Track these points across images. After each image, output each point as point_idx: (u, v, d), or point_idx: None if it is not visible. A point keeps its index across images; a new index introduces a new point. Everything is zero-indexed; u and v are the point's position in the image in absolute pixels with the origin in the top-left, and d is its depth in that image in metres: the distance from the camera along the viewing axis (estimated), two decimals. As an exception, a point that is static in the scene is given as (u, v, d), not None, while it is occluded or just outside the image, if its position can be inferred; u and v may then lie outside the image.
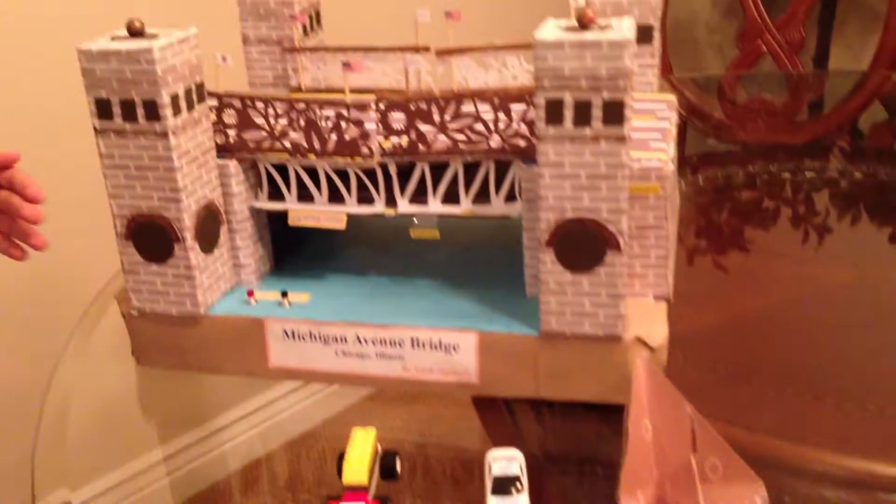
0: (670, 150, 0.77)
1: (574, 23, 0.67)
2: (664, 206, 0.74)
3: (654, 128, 0.80)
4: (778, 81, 1.82)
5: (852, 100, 1.62)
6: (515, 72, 0.90)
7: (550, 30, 0.67)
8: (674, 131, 0.82)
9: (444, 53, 0.92)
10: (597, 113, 0.66)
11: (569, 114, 0.66)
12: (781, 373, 0.80)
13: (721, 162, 1.37)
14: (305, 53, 0.97)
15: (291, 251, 0.91)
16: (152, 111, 0.74)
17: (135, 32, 0.75)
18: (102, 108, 0.75)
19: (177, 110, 0.75)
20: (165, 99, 0.73)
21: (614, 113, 0.65)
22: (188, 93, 0.76)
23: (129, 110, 0.74)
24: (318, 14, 1.01)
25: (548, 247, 0.70)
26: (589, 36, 0.64)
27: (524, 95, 0.75)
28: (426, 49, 0.93)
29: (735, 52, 1.94)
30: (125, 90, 0.74)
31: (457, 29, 0.93)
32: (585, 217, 0.69)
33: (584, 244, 0.70)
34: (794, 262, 1.01)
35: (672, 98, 0.88)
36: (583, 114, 0.66)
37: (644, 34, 0.87)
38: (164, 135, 0.75)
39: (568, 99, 0.66)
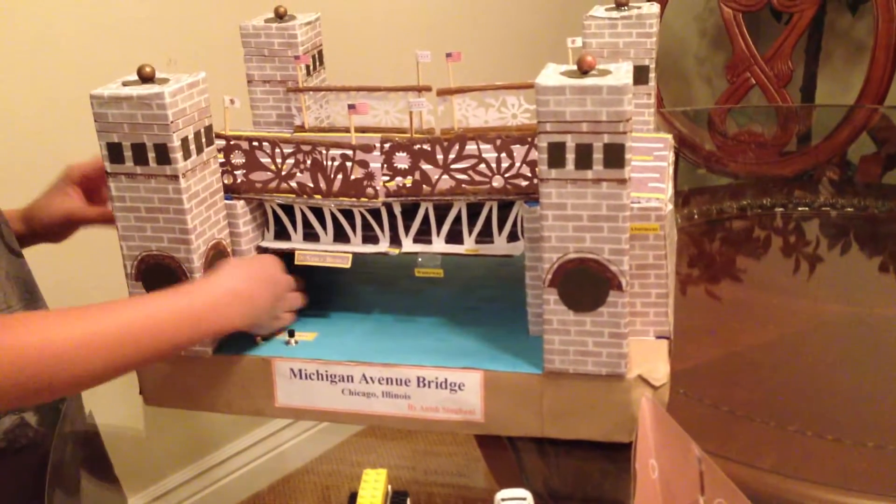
0: (668, 189, 0.78)
1: (574, 67, 0.69)
2: (663, 245, 0.75)
3: (651, 167, 0.82)
4: (767, 114, 1.85)
5: (840, 132, 1.65)
6: (515, 111, 0.92)
7: (551, 75, 0.69)
8: (671, 170, 0.84)
9: (445, 93, 0.94)
10: (598, 156, 0.67)
11: (570, 157, 0.68)
12: (782, 410, 0.81)
13: (712, 194, 1.39)
14: (308, 93, 0.99)
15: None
16: (163, 155, 0.75)
17: (145, 77, 0.76)
18: (114, 152, 0.76)
19: (187, 153, 0.76)
20: (176, 142, 0.75)
21: (615, 156, 0.67)
22: (197, 136, 0.78)
23: (140, 154, 0.76)
24: (320, 54, 1.02)
25: (551, 287, 0.72)
26: (589, 81, 0.66)
27: (526, 137, 0.77)
28: (427, 89, 0.95)
29: (724, 82, 1.97)
30: (136, 134, 0.75)
31: (457, 69, 0.95)
32: (587, 257, 0.70)
33: (586, 284, 0.71)
34: (788, 295, 1.03)
35: (668, 137, 0.90)
36: (584, 157, 0.68)
37: (640, 75, 0.89)
38: (175, 177, 0.76)
39: (569, 142, 0.68)
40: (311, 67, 1.00)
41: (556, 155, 0.68)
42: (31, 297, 0.89)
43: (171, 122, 0.74)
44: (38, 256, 0.94)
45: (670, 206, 0.76)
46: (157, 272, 0.79)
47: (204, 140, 0.79)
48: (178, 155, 0.75)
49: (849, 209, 1.24)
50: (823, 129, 1.73)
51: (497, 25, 1.95)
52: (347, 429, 0.85)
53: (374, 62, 1.55)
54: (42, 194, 0.95)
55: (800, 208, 1.26)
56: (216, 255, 0.81)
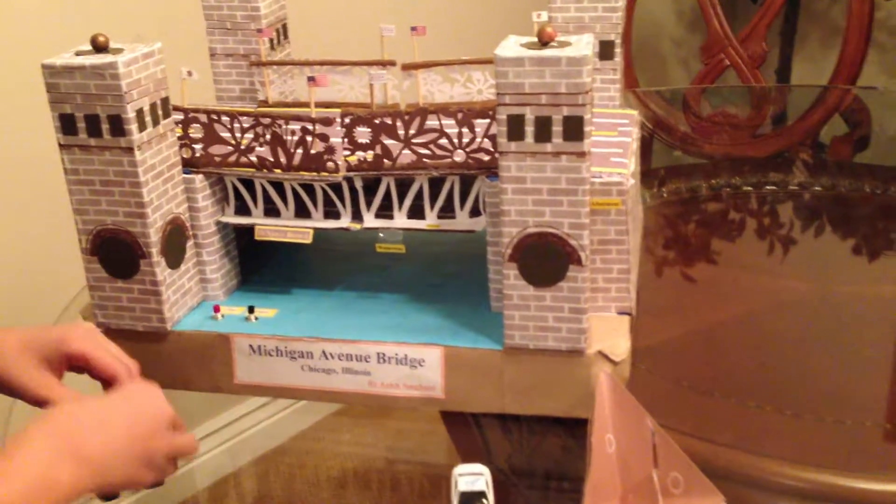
0: (631, 164, 0.78)
1: (534, 39, 0.68)
2: (625, 220, 0.75)
3: (615, 142, 0.81)
4: (741, 95, 1.85)
5: (813, 113, 1.65)
6: (480, 86, 0.91)
7: (511, 46, 0.68)
8: (635, 146, 0.83)
9: (409, 68, 0.92)
10: (557, 129, 0.67)
11: (529, 129, 0.67)
12: (743, 385, 0.81)
13: (687, 174, 1.38)
14: (272, 67, 0.97)
15: (259, 265, 0.91)
16: (117, 126, 0.74)
17: (99, 47, 0.75)
18: (67, 124, 0.75)
19: (142, 125, 0.75)
20: (130, 114, 0.73)
21: (574, 129, 0.66)
22: (153, 107, 0.76)
23: (93, 125, 0.74)
24: (284, 28, 1.01)
25: (510, 262, 0.71)
26: (548, 52, 0.65)
27: (487, 111, 0.76)
28: (392, 63, 0.94)
29: (700, 65, 1.96)
30: (90, 105, 0.74)
31: (422, 44, 0.94)
32: (547, 231, 0.70)
33: (546, 259, 0.70)
34: (757, 274, 1.03)
35: (634, 113, 0.89)
36: (543, 129, 0.67)
37: (606, 50, 0.89)
38: (130, 150, 0.74)
39: (528, 115, 0.67)
40: (276, 41, 0.99)
41: (515, 127, 0.68)
42: None
43: (126, 93, 0.73)
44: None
45: (633, 182, 0.76)
46: (112, 247, 0.78)
47: (160, 112, 0.77)
48: (133, 127, 0.74)
49: (817, 188, 1.24)
50: (797, 111, 1.73)
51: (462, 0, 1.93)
52: (321, 409, 0.84)
53: (341, 36, 1.52)
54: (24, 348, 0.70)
55: (769, 187, 1.26)
56: (174, 231, 0.80)
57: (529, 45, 0.68)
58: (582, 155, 0.67)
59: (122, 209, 0.77)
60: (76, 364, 0.71)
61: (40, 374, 0.69)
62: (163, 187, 0.78)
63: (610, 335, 0.75)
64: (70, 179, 0.77)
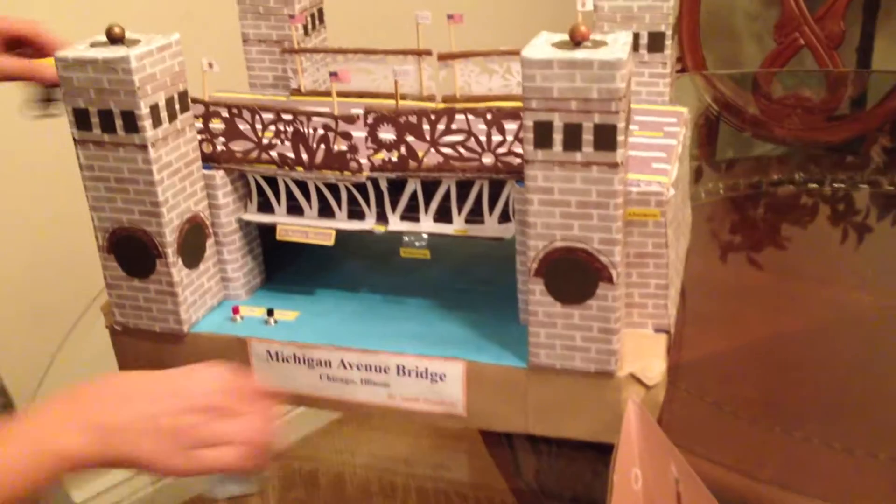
0: (674, 171, 0.72)
1: (567, 38, 0.62)
2: (664, 233, 0.69)
3: (659, 145, 0.75)
4: (816, 77, 1.74)
5: (892, 99, 1.54)
6: (520, 78, 0.86)
7: (540, 46, 0.62)
8: (680, 149, 0.77)
9: (446, 58, 0.88)
10: (588, 137, 0.61)
11: (558, 137, 0.62)
12: (791, 413, 0.75)
13: (751, 166, 1.31)
14: (305, 54, 0.93)
15: (284, 262, 0.88)
16: (131, 122, 0.71)
17: (114, 38, 0.72)
18: (81, 118, 0.72)
19: (157, 121, 0.72)
20: (144, 110, 0.70)
21: (606, 138, 0.61)
22: (170, 102, 0.73)
23: (107, 121, 0.71)
24: (320, 13, 0.97)
25: (536, 276, 0.66)
26: (579, 55, 0.60)
27: (519, 111, 0.71)
28: (428, 53, 0.89)
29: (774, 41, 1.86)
30: (103, 100, 0.71)
31: (460, 32, 0.89)
32: (575, 246, 0.64)
33: (574, 275, 0.65)
34: (817, 283, 0.95)
35: (684, 110, 0.82)
36: (573, 138, 0.61)
37: (655, 42, 0.82)
38: (144, 147, 0.72)
39: (557, 121, 0.61)
40: (310, 27, 0.95)
41: (542, 135, 0.62)
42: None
43: (139, 88, 0.70)
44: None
45: (673, 191, 0.70)
46: (129, 246, 0.76)
47: (178, 106, 0.74)
48: (147, 123, 0.71)
49: (889, 187, 1.15)
50: (876, 94, 1.62)
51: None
52: (328, 414, 0.81)
53: (378, 22, 1.48)
54: None
55: (836, 184, 1.17)
56: (192, 229, 0.77)
57: (560, 45, 0.62)
58: (614, 166, 0.61)
59: (137, 207, 0.74)
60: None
61: None
62: (180, 185, 0.75)
63: (644, 355, 0.69)
64: (85, 175, 0.74)
